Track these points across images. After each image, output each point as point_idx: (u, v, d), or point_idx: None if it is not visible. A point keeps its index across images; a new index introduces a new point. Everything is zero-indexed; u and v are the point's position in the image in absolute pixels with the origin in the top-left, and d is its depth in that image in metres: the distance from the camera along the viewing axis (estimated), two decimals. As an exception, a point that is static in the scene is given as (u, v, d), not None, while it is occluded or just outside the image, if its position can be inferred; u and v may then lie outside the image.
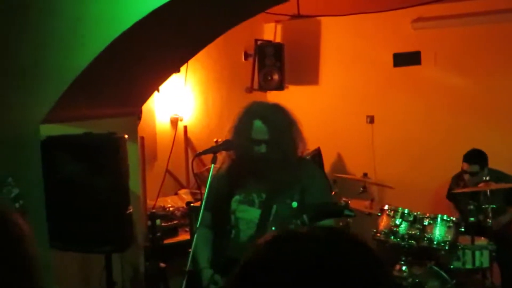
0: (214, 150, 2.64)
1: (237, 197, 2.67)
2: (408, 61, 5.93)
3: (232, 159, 2.70)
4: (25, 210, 3.14)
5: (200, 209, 2.57)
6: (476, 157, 4.75)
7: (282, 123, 2.59)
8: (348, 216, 2.42)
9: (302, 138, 2.66)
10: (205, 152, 2.73)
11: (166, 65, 3.70)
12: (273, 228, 2.54)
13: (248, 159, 2.61)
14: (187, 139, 5.53)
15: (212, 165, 2.61)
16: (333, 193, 5.49)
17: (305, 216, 2.34)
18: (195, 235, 2.59)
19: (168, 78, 3.94)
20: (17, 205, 3.14)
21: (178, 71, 4.59)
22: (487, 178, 4.44)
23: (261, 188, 2.64)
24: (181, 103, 5.50)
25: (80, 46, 3.18)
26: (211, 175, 2.59)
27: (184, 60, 3.98)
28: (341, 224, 5.17)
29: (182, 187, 5.45)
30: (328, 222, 2.47)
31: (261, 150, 2.57)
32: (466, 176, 4.78)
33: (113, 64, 3.28)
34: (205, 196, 2.56)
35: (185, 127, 5.53)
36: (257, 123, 2.56)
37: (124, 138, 3.17)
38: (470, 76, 5.73)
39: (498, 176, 4.78)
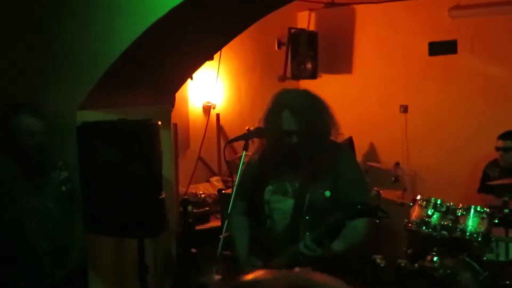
0: (246, 137, 2.65)
1: (270, 187, 2.66)
2: (444, 50, 5.82)
3: (264, 148, 2.70)
4: (72, 193, 3.24)
5: (231, 196, 2.58)
6: (509, 134, 4.75)
7: (311, 112, 2.57)
8: (381, 217, 2.40)
9: (334, 123, 2.63)
10: (237, 139, 2.74)
11: (199, 53, 3.73)
12: (307, 217, 2.54)
13: (280, 150, 2.60)
14: (219, 127, 5.57)
15: (244, 152, 2.62)
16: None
17: (338, 215, 2.33)
18: (228, 222, 2.60)
19: (201, 66, 3.97)
20: (63, 188, 3.25)
21: (212, 58, 4.62)
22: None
23: (294, 177, 2.63)
24: (213, 91, 5.54)
25: (115, 34, 3.24)
26: (243, 162, 2.60)
27: (217, 48, 4.00)
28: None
29: (214, 174, 5.50)
30: (361, 221, 2.47)
31: (292, 140, 2.56)
32: (500, 154, 4.75)
33: (147, 51, 3.33)
34: (236, 184, 2.57)
35: (218, 115, 5.57)
36: (286, 114, 2.55)
37: (158, 124, 3.21)
38: (507, 66, 5.60)
39: None
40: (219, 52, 4.81)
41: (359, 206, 2.28)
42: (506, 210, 4.23)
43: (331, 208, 2.43)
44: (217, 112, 5.59)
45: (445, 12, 5.70)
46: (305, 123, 2.53)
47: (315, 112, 2.58)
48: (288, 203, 2.62)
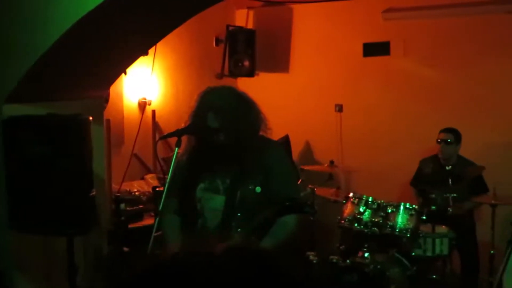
0: (178, 133, 2.62)
1: (202, 185, 2.65)
2: (378, 51, 5.98)
3: (193, 145, 2.68)
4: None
5: (163, 195, 2.55)
6: (452, 129, 4.96)
7: (235, 111, 2.56)
8: (308, 212, 2.44)
9: (261, 118, 2.63)
10: (169, 135, 2.71)
11: (133, 47, 3.66)
12: (239, 214, 2.54)
13: (209, 147, 2.59)
14: (155, 124, 5.49)
15: (176, 149, 2.59)
16: (300, 181, 5.55)
17: (267, 212, 2.34)
18: (159, 221, 2.57)
19: (136, 61, 3.89)
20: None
21: (146, 53, 4.55)
22: (449, 168, 4.54)
23: (225, 173, 2.63)
24: (149, 87, 5.45)
25: (45, 24, 3.12)
26: (174, 160, 2.57)
27: (152, 42, 3.93)
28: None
29: (149, 171, 5.42)
30: (291, 218, 2.50)
31: (219, 138, 2.55)
32: (441, 146, 4.93)
33: (78, 44, 3.23)
34: (167, 182, 2.54)
35: (153, 111, 5.49)
36: (210, 115, 2.55)
37: (89, 120, 3.13)
38: (438, 67, 5.82)
39: (465, 163, 4.91)
40: (154, 47, 4.74)
41: (287, 203, 2.29)
42: (434, 207, 4.39)
43: (263, 204, 2.44)
44: (153, 109, 5.51)
45: (379, 14, 5.85)
46: (230, 123, 2.53)
47: (239, 110, 2.57)
48: (219, 200, 2.61)
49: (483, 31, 5.64)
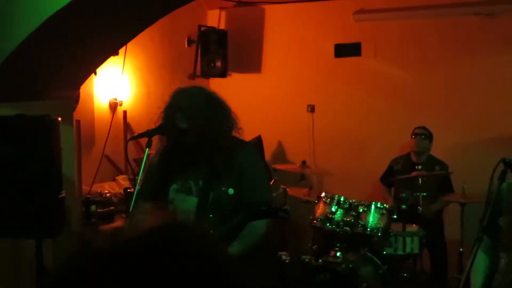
0: (148, 134, 2.60)
1: (174, 186, 2.62)
2: (349, 52, 6.03)
3: (165, 146, 2.66)
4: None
5: (134, 196, 2.52)
6: (425, 127, 5.09)
7: (203, 111, 2.54)
8: (282, 217, 2.42)
9: (232, 118, 2.62)
10: (139, 136, 2.68)
11: (102, 47, 3.62)
12: (211, 216, 2.52)
13: (180, 148, 2.56)
14: (126, 124, 5.44)
15: (147, 149, 2.57)
16: (272, 181, 5.56)
17: (241, 216, 2.32)
18: (128, 223, 2.53)
19: (106, 61, 3.85)
20: None
21: (116, 53, 4.50)
22: (420, 167, 4.61)
23: (198, 175, 2.61)
24: (120, 87, 5.40)
25: (13, 24, 3.07)
26: (145, 161, 2.55)
27: (122, 42, 3.90)
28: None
29: (121, 173, 5.37)
30: (261, 222, 2.48)
31: (187, 138, 2.53)
32: (417, 139, 5.01)
33: (47, 43, 3.19)
34: (138, 183, 2.51)
35: (125, 112, 5.44)
36: (179, 115, 2.53)
37: (57, 120, 3.09)
38: (408, 68, 5.89)
39: (435, 162, 4.99)
40: (124, 47, 4.69)
41: (262, 208, 2.28)
42: (404, 206, 4.44)
43: (235, 206, 2.43)
44: (124, 109, 5.46)
45: (350, 16, 5.90)
46: (197, 123, 2.51)
47: (208, 110, 2.55)
48: (192, 202, 2.59)
49: (452, 33, 5.74)
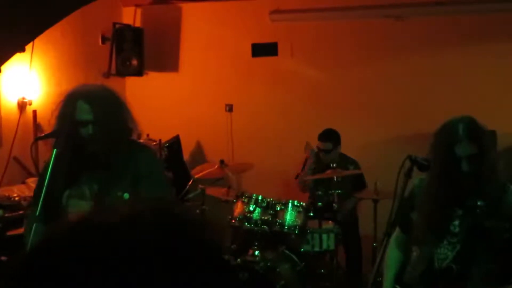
0: (55, 134, 2.48)
1: (68, 191, 2.50)
2: (266, 51, 6.08)
3: (62, 147, 2.51)
4: None
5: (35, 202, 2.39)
6: (329, 135, 5.06)
7: (107, 102, 2.47)
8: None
9: (132, 121, 2.54)
10: (47, 136, 2.56)
11: (7, 42, 3.43)
12: None
13: (76, 149, 2.45)
14: (36, 125, 5.20)
15: (55, 150, 2.45)
16: (191, 181, 5.51)
17: None
18: (25, 231, 2.39)
19: (10, 58, 3.66)
20: None
21: (23, 50, 4.28)
22: (334, 166, 4.70)
23: (92, 179, 2.50)
24: (29, 85, 5.15)
25: None
26: (52, 163, 2.41)
27: (27, 38, 3.71)
28: (197, 211, 5.20)
29: (31, 175, 5.12)
30: None
31: (87, 131, 2.43)
32: (321, 154, 5.05)
33: None
34: (35, 188, 2.39)
35: (34, 112, 5.20)
36: (80, 103, 2.43)
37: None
38: (323, 69, 6.02)
39: (347, 160, 5.10)
40: (31, 43, 4.47)
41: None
42: (320, 204, 4.52)
43: None
44: (34, 109, 5.21)
45: (267, 15, 5.94)
46: (101, 113, 2.42)
47: (111, 104, 2.48)
48: (86, 207, 2.47)
49: (364, 35, 5.92)
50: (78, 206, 2.48)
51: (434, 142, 2.34)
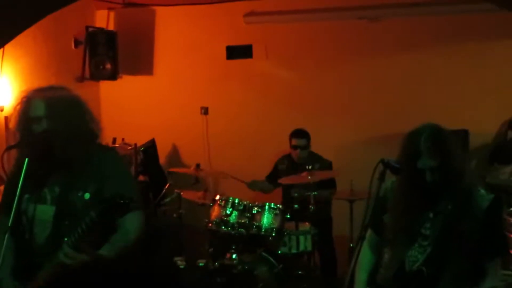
0: (24, 143, 2.43)
1: (27, 196, 2.44)
2: (241, 54, 6.09)
3: (21, 153, 2.47)
4: None
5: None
6: (302, 132, 5.14)
7: (62, 99, 2.43)
8: (135, 209, 2.29)
9: (94, 122, 2.49)
10: (16, 146, 2.52)
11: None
12: (67, 223, 2.36)
13: (36, 155, 2.38)
14: (8, 132, 5.11)
15: (26, 159, 2.41)
16: (168, 185, 5.49)
17: (92, 213, 2.21)
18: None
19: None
20: None
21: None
22: (310, 167, 4.72)
23: (53, 181, 2.45)
24: (0, 92, 5.08)
25: None
26: (24, 171, 2.37)
27: (-1, 44, 3.65)
28: (174, 215, 5.18)
29: (3, 183, 5.04)
30: (131, 224, 2.38)
31: (41, 127, 2.38)
32: (296, 152, 5.08)
33: None
34: (2, 197, 2.34)
35: (6, 118, 5.11)
36: (35, 101, 2.40)
37: None
38: (297, 70, 6.04)
39: (315, 159, 5.12)
40: (1, 49, 4.41)
41: (115, 200, 2.16)
42: (296, 206, 4.53)
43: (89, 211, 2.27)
44: (6, 115, 5.13)
45: (241, 18, 5.94)
46: (55, 108, 2.38)
47: (69, 101, 2.43)
48: (48, 212, 2.42)
49: (339, 36, 5.96)
50: (38, 211, 2.42)
51: (400, 153, 2.37)
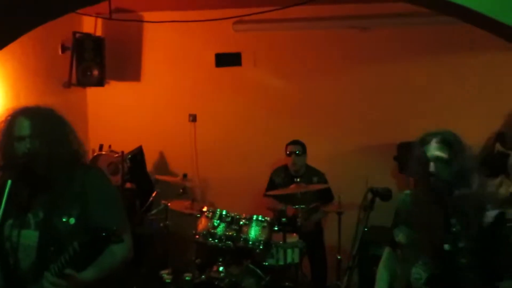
0: (9, 164, 2.39)
1: (10, 221, 2.38)
2: (230, 61, 6.05)
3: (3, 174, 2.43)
4: None
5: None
6: (297, 141, 5.22)
7: (47, 119, 2.40)
8: (116, 242, 2.28)
9: (79, 143, 2.47)
10: (2, 168, 2.47)
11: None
12: (52, 249, 2.32)
13: (18, 174, 2.34)
14: (-7, 139, 5.04)
15: (9, 181, 2.36)
16: (155, 193, 5.45)
17: (75, 244, 2.17)
18: None
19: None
20: None
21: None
22: (298, 180, 4.71)
23: (38, 206, 2.39)
24: (-14, 99, 5.01)
25: None
26: (7, 192, 2.32)
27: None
28: (161, 224, 5.14)
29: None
30: (118, 246, 2.32)
31: (25, 146, 2.34)
32: (292, 158, 5.11)
33: None
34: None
35: (-9, 125, 5.05)
36: (20, 119, 2.37)
37: None
38: (286, 79, 6.02)
39: (312, 172, 5.13)
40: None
41: (98, 234, 2.13)
42: (284, 219, 4.51)
43: (79, 236, 2.23)
44: (-9, 122, 5.06)
45: (230, 25, 5.91)
46: (40, 127, 2.35)
47: (53, 121, 2.41)
48: (32, 237, 2.36)
49: (329, 45, 5.94)
50: (22, 236, 2.36)
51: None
